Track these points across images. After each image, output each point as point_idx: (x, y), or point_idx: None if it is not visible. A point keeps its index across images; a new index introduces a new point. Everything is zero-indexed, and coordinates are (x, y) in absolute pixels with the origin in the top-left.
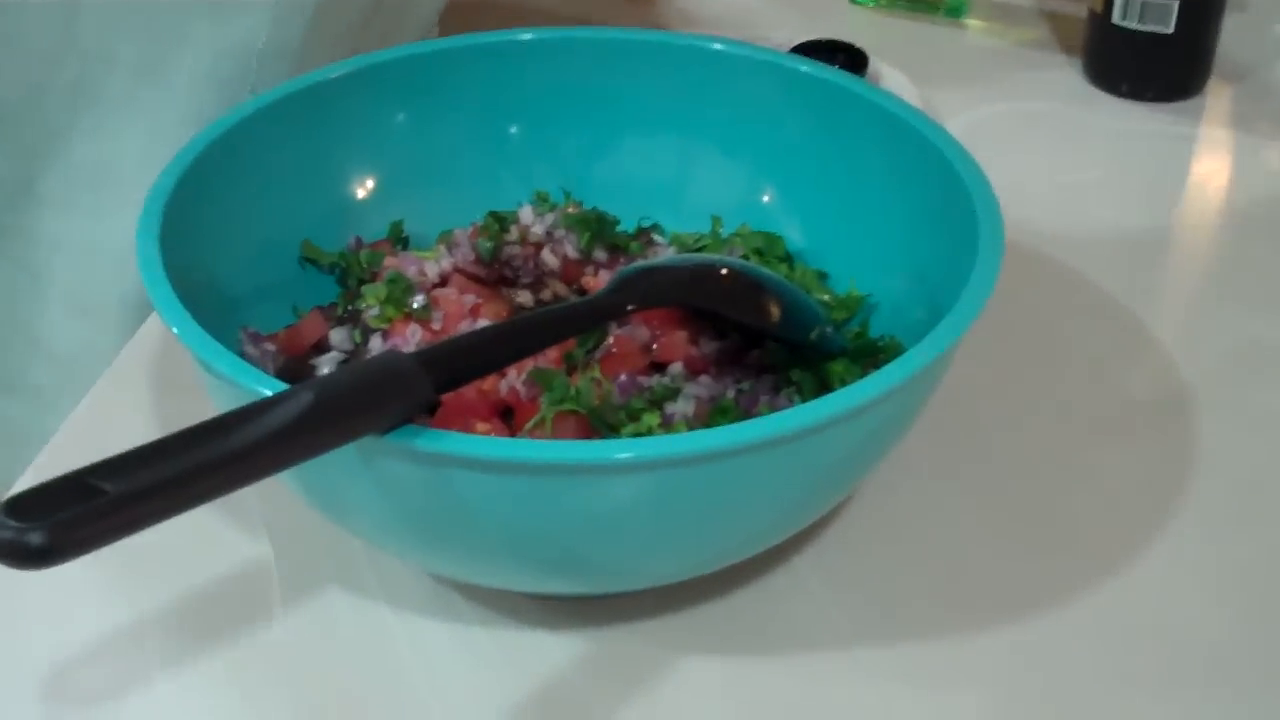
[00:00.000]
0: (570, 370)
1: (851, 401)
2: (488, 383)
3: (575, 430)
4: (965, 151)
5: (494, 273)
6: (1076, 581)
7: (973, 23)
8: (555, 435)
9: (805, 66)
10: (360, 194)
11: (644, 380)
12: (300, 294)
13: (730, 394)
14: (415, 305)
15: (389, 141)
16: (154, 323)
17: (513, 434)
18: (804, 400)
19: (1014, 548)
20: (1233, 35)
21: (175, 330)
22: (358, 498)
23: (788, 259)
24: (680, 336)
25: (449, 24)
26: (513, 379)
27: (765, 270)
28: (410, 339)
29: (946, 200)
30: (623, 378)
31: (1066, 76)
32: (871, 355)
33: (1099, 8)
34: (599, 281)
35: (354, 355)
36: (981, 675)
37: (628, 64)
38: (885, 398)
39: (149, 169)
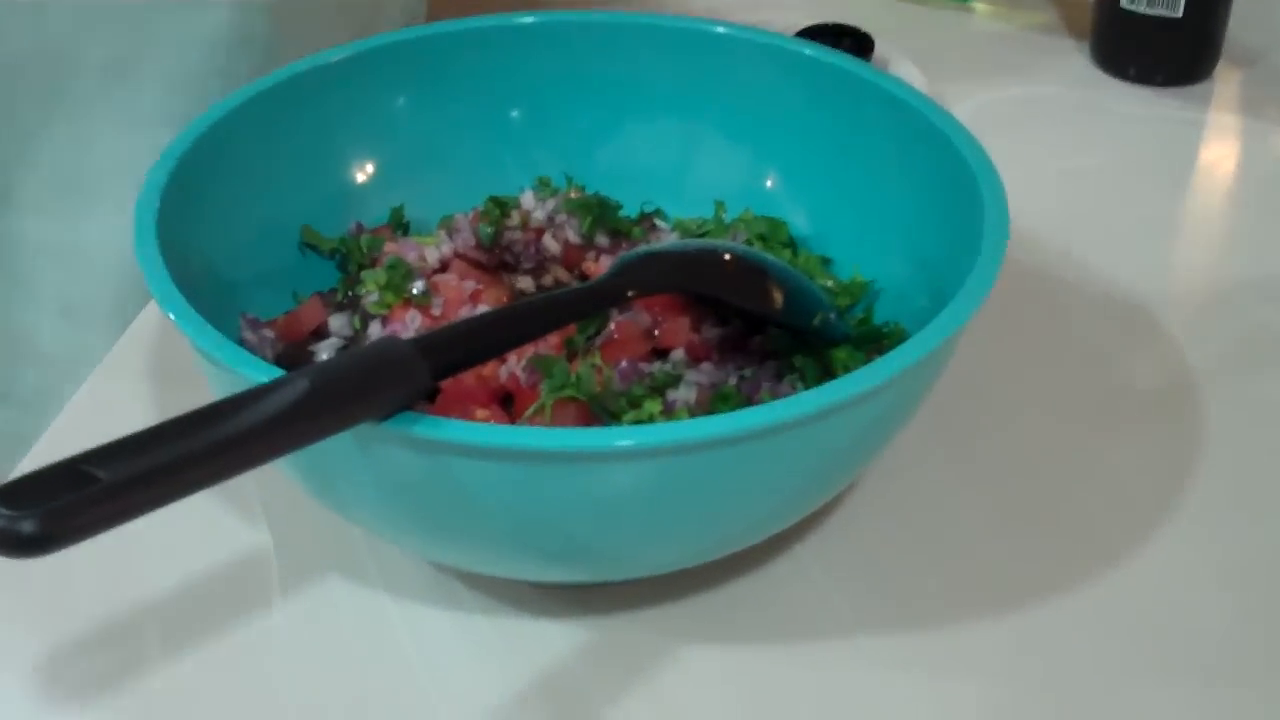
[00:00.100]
0: (571, 356)
1: (854, 389)
2: (487, 369)
3: (576, 417)
4: (971, 136)
5: (495, 258)
6: (1079, 570)
7: (979, 6)
8: (555, 422)
9: (810, 50)
10: (361, 179)
11: (645, 367)
12: (300, 279)
13: (732, 381)
14: (415, 291)
15: (390, 126)
16: (153, 309)
17: (512, 421)
18: (807, 387)
19: (1017, 536)
20: (1242, 19)
21: (172, 316)
22: (356, 485)
23: (791, 245)
24: (682, 322)
25: (441, 9)
26: (512, 365)
27: (768, 256)
28: (409, 325)
29: (951, 186)
30: (624, 364)
31: (1074, 61)
32: (875, 342)
33: None
34: (600, 267)
35: (353, 341)
36: (984, 664)
37: (630, 47)
38: (888, 385)
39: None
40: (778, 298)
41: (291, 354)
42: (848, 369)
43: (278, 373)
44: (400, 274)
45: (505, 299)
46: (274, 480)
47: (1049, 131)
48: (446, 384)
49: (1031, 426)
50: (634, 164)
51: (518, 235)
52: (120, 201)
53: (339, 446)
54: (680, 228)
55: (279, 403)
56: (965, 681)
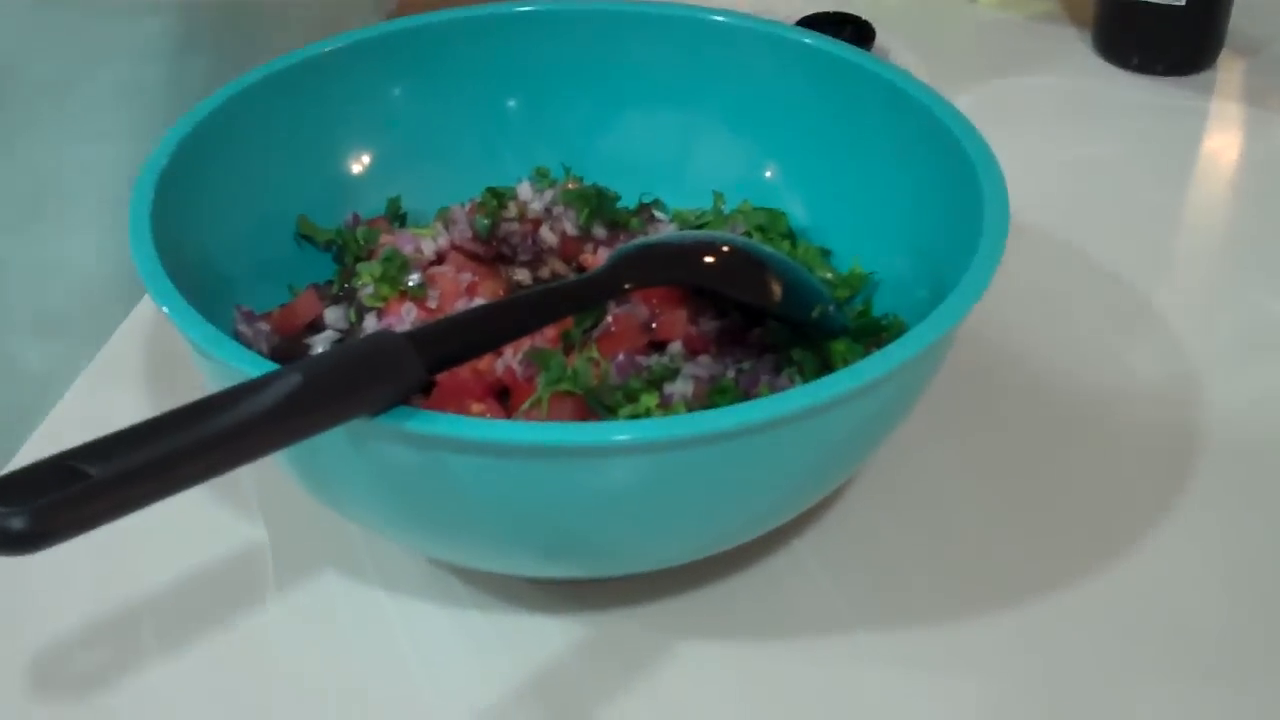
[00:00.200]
0: (568, 349)
1: (852, 382)
2: (483, 362)
3: (572, 411)
4: (972, 127)
5: (492, 250)
6: (1079, 565)
7: None
8: (551, 416)
9: (810, 39)
10: (357, 170)
11: (642, 360)
12: (296, 271)
13: (730, 374)
14: (411, 283)
15: (386, 116)
16: (148, 303)
17: (508, 414)
18: (805, 380)
19: (1016, 531)
20: (1245, 8)
21: (165, 309)
22: (350, 481)
23: (790, 236)
24: (680, 315)
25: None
26: (509, 358)
27: (767, 248)
28: (405, 317)
29: (952, 177)
30: (620, 357)
31: (1076, 50)
32: (874, 334)
33: None
34: (598, 259)
35: (349, 334)
36: (982, 660)
37: (629, 36)
38: (887, 378)
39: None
40: (776, 290)
41: (287, 347)
42: (847, 362)
43: (271, 366)
44: (396, 266)
45: (502, 291)
46: (270, 475)
47: (1051, 121)
48: (442, 377)
49: (1031, 420)
50: (632, 154)
51: (515, 227)
52: (86, 215)
53: (333, 441)
54: (679, 218)
55: (272, 397)
56: (964, 677)
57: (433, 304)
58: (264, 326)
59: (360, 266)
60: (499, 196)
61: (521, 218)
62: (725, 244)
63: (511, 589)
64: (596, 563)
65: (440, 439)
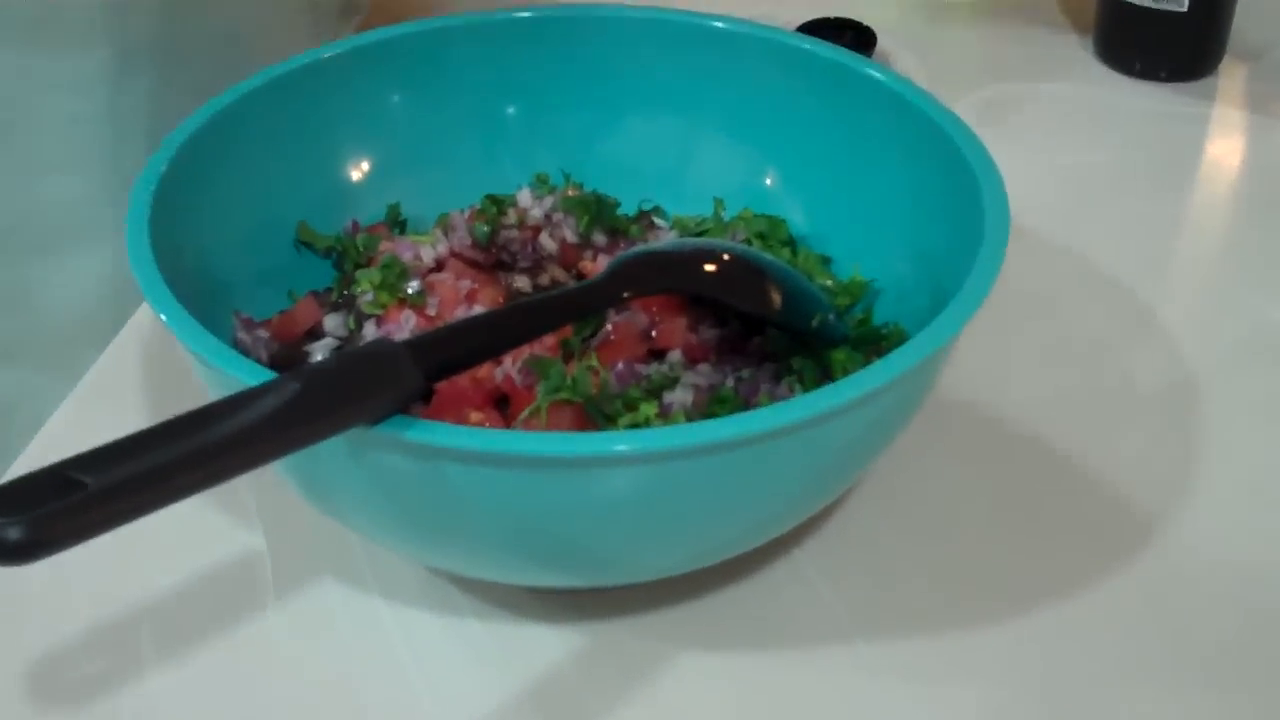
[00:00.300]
0: (567, 357)
1: (853, 392)
2: (482, 371)
3: (571, 420)
4: (972, 133)
5: (491, 257)
6: (1080, 573)
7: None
8: (551, 425)
9: (810, 45)
10: (357, 176)
11: (642, 369)
12: (296, 278)
13: (730, 383)
14: (410, 291)
15: (385, 122)
16: (147, 310)
17: (508, 423)
18: (805, 389)
19: (1017, 539)
20: (1247, 14)
21: (162, 316)
22: (348, 489)
23: (790, 243)
24: (679, 323)
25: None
26: (508, 367)
27: (767, 256)
28: (404, 325)
29: (952, 185)
30: (620, 366)
31: (1078, 55)
32: (874, 343)
33: None
34: (598, 266)
35: (348, 342)
36: (983, 669)
37: (628, 42)
38: (887, 388)
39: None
40: (776, 299)
41: (286, 354)
42: (847, 371)
43: (269, 375)
44: (395, 273)
45: (501, 299)
46: (269, 483)
47: (1052, 127)
48: (441, 385)
49: (1031, 427)
50: (632, 160)
51: (514, 234)
52: (40, 247)
53: (331, 450)
54: (679, 225)
55: (269, 407)
56: (965, 687)
57: (432, 311)
58: (263, 334)
59: (359, 274)
60: (498, 203)
61: (521, 225)
62: (725, 252)
63: (511, 598)
64: (596, 572)
65: (439, 449)
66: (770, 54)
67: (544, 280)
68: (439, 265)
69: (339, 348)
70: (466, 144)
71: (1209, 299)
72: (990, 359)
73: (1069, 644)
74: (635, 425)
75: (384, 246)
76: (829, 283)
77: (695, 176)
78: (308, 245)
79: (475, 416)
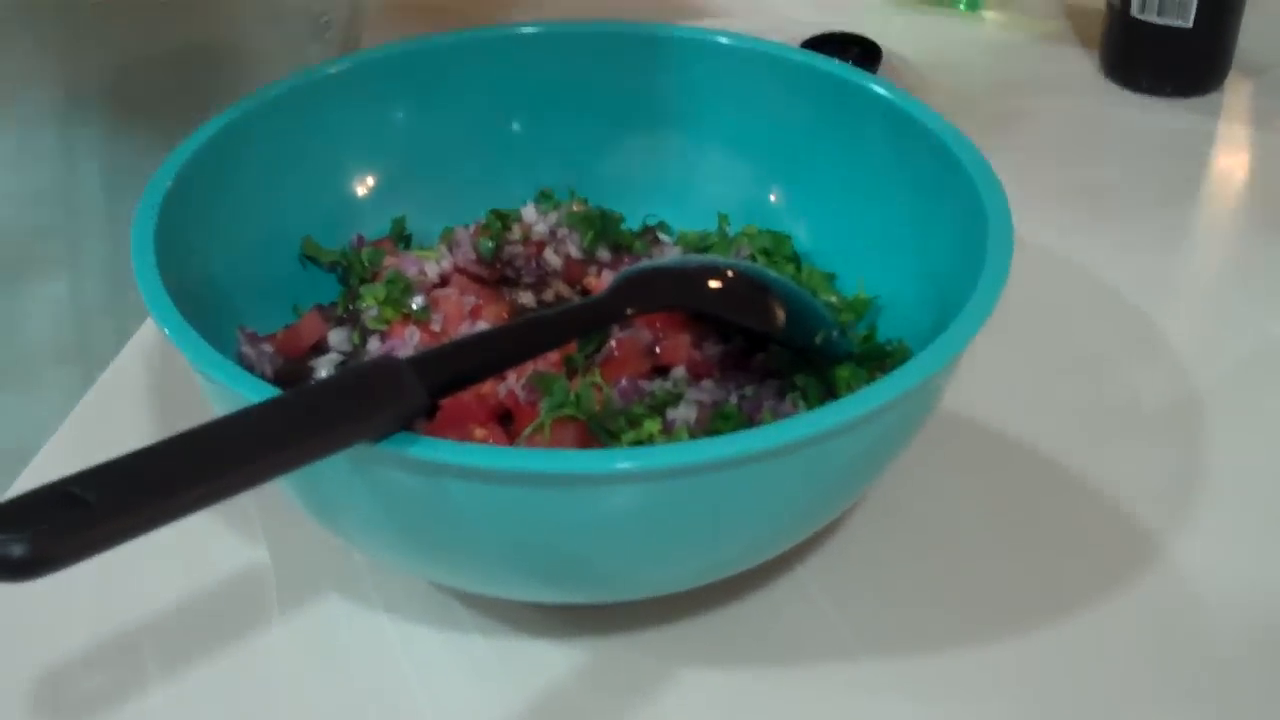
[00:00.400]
0: (571, 373)
1: (856, 410)
2: (486, 387)
3: (574, 436)
4: (976, 151)
5: (495, 273)
6: (1085, 591)
7: (989, 15)
8: (554, 441)
9: (815, 61)
10: (362, 191)
11: (645, 385)
12: (301, 292)
13: (733, 399)
14: (414, 306)
15: (390, 137)
16: (153, 323)
17: (511, 439)
18: (809, 406)
19: (1021, 557)
20: (1253, 29)
21: (166, 331)
22: (352, 506)
23: (795, 259)
24: (683, 339)
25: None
26: (512, 383)
27: (771, 272)
28: (408, 341)
29: (956, 201)
30: (623, 383)
31: (1084, 70)
32: (878, 360)
33: (1118, 1)
34: (602, 282)
35: (352, 357)
36: (986, 687)
37: (633, 58)
38: (891, 405)
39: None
40: (780, 315)
41: (290, 369)
42: (850, 388)
43: (272, 392)
44: (399, 289)
45: (505, 314)
46: (273, 498)
47: (1057, 141)
48: (444, 402)
49: (1035, 444)
50: (637, 176)
51: (519, 249)
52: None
53: (335, 467)
54: (683, 241)
55: (273, 423)
56: (968, 704)
57: (436, 327)
58: (267, 348)
59: (364, 289)
60: (503, 219)
61: (526, 240)
62: (729, 269)
63: (514, 614)
64: (599, 588)
65: (442, 465)
66: (775, 70)
67: (548, 296)
68: (443, 280)
69: (343, 363)
70: (471, 159)
71: (1214, 315)
72: (994, 375)
73: (1072, 662)
74: (639, 442)
75: (388, 262)
76: (833, 299)
77: (699, 192)
78: (312, 260)
79: (479, 433)
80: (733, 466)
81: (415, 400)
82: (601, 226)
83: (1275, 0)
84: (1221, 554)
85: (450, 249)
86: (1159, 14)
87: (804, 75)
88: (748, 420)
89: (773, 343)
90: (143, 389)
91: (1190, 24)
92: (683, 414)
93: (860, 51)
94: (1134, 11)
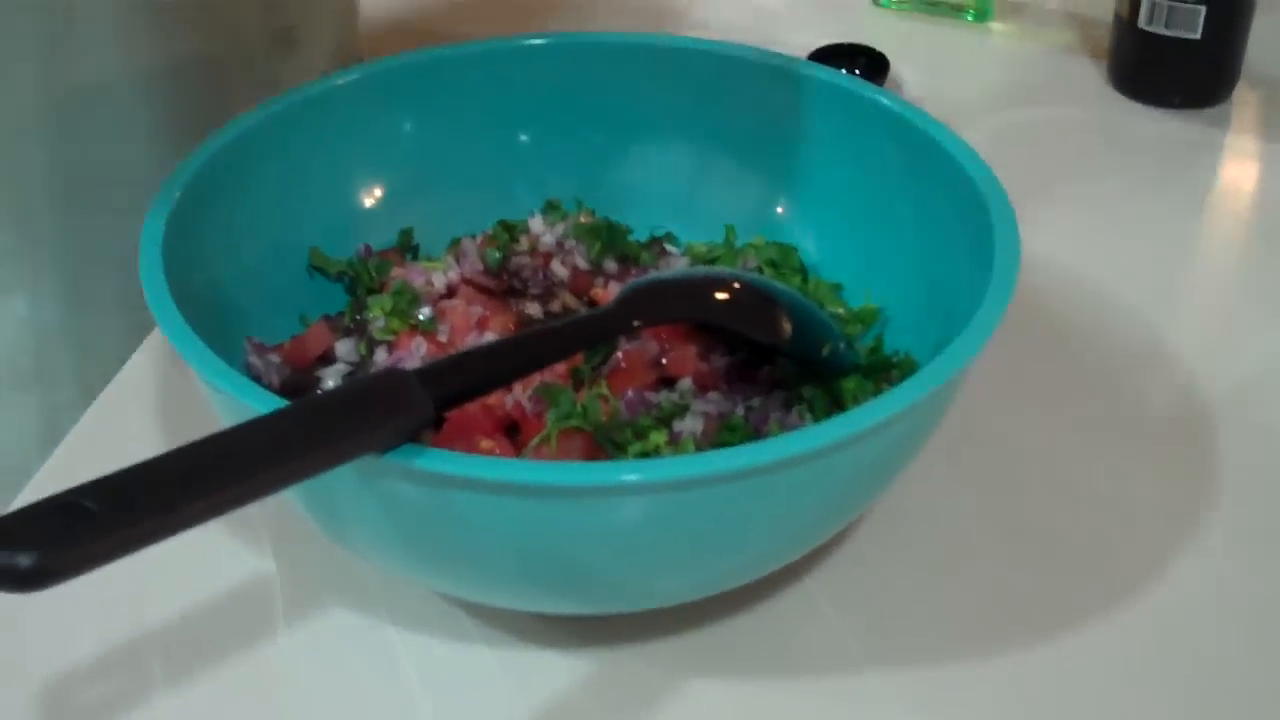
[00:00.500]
0: (577, 385)
1: (863, 422)
2: (493, 398)
3: (581, 447)
4: (984, 163)
5: (503, 284)
6: (1092, 605)
7: (997, 26)
8: (560, 453)
9: (822, 73)
10: (369, 202)
11: (651, 397)
12: (309, 301)
13: (740, 411)
14: (421, 317)
15: (398, 148)
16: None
17: (518, 450)
18: (815, 418)
19: (1028, 570)
20: (1261, 41)
21: (173, 342)
22: (359, 517)
23: (802, 271)
24: (690, 351)
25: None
26: (518, 394)
27: (777, 284)
28: (415, 352)
29: (963, 213)
30: (630, 394)
31: (1092, 81)
32: (885, 372)
33: (1126, 12)
34: (609, 293)
35: (359, 367)
36: (992, 701)
37: (641, 69)
38: (898, 418)
39: None
40: (786, 327)
41: (297, 379)
42: (857, 400)
43: (280, 402)
44: (406, 300)
45: (512, 325)
46: (280, 508)
47: (1065, 152)
48: (451, 413)
49: (1043, 455)
50: (644, 187)
51: (526, 260)
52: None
53: (341, 478)
54: (690, 252)
55: (280, 435)
56: (974, 717)
57: (443, 338)
58: (275, 359)
59: (371, 300)
60: (510, 230)
61: (533, 251)
62: (735, 281)
63: (520, 624)
64: (605, 599)
65: (449, 477)
66: (782, 82)
67: (555, 307)
68: (450, 291)
69: (350, 373)
70: (479, 170)
71: (1222, 327)
72: (1001, 387)
73: (1079, 676)
74: (645, 453)
75: (395, 272)
76: (840, 310)
77: (706, 203)
78: (320, 270)
79: (485, 444)
80: (739, 479)
81: (422, 412)
82: (609, 238)
83: None
84: (1229, 568)
85: (457, 260)
86: (1167, 26)
87: (811, 87)
88: (754, 432)
89: (779, 354)
90: (149, 400)
91: (1198, 36)
92: (689, 426)
93: (867, 62)
94: (1142, 23)
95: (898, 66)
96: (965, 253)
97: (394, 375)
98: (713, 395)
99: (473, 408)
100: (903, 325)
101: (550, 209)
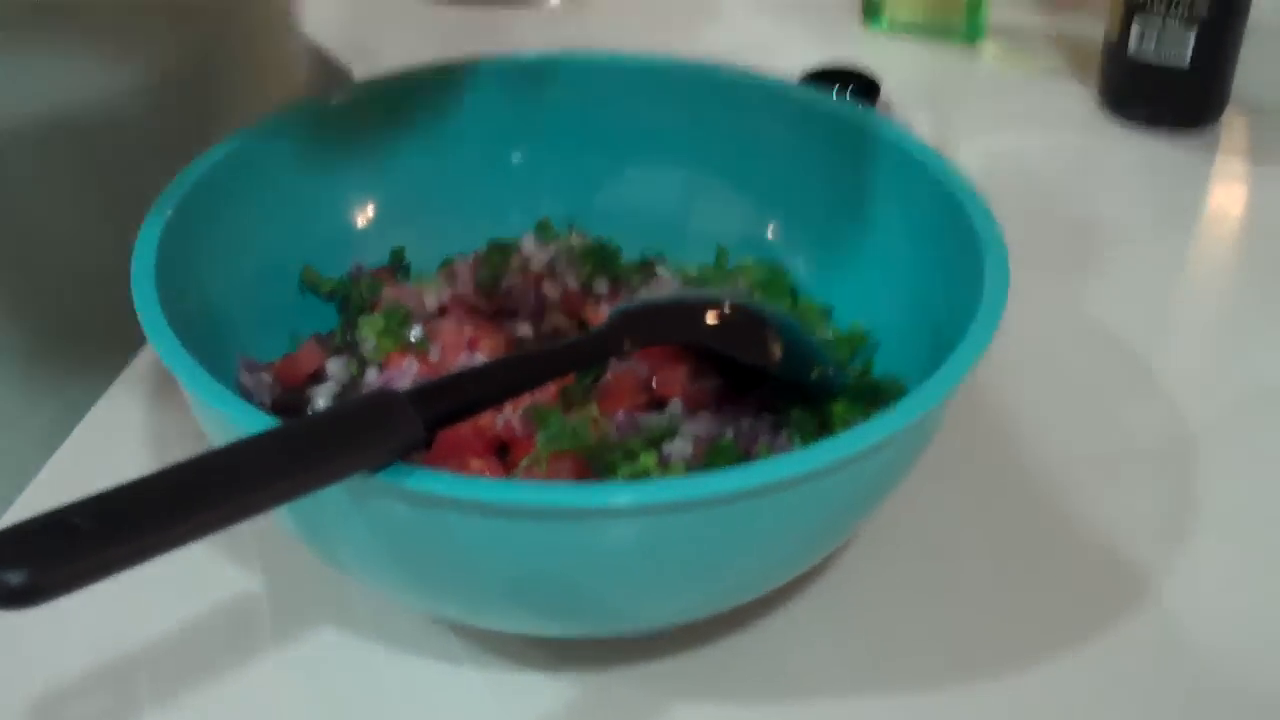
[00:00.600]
0: (567, 405)
1: (853, 446)
2: (483, 419)
3: (571, 468)
4: (972, 187)
5: (494, 304)
6: (1077, 631)
7: (988, 49)
8: (551, 473)
9: (812, 97)
10: (361, 221)
11: (642, 418)
12: (300, 319)
13: (729, 433)
14: (412, 338)
15: (390, 167)
16: (150, 350)
17: (508, 471)
18: (804, 442)
19: (1015, 594)
20: (1249, 66)
21: (165, 359)
22: (348, 537)
23: (792, 294)
24: (680, 372)
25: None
26: (509, 415)
27: (768, 308)
28: (406, 371)
29: (952, 237)
30: (620, 416)
31: (1081, 104)
32: (873, 395)
33: (1115, 37)
34: (600, 313)
35: (350, 386)
36: None
37: (634, 90)
38: (887, 442)
39: None
40: (776, 350)
41: (288, 398)
42: (846, 423)
43: (271, 421)
44: (398, 320)
45: (503, 346)
46: (269, 527)
47: (1055, 176)
48: (441, 433)
49: (1030, 481)
50: (636, 207)
51: (517, 281)
52: None
53: (331, 498)
54: (681, 274)
55: (270, 454)
56: None
57: (434, 358)
58: (266, 377)
59: (362, 320)
60: (502, 250)
61: (524, 272)
62: (726, 304)
63: (509, 647)
64: (593, 622)
65: (438, 498)
66: (773, 104)
67: (547, 327)
68: (442, 311)
69: (341, 392)
70: (471, 190)
71: (1209, 352)
72: (988, 411)
73: (1065, 700)
74: (635, 475)
75: (387, 292)
76: (829, 334)
77: (697, 225)
78: (311, 289)
79: (476, 464)
80: (732, 501)
81: (413, 432)
82: (600, 260)
83: (1272, 38)
84: (1214, 594)
85: (449, 280)
86: (1156, 51)
87: (803, 109)
88: (743, 454)
89: (769, 377)
90: (137, 418)
91: (1187, 61)
92: (679, 447)
93: (859, 85)
94: (1131, 48)
95: (889, 89)
96: (954, 276)
97: (385, 396)
98: (702, 417)
99: (463, 428)
100: (891, 349)
101: (542, 230)
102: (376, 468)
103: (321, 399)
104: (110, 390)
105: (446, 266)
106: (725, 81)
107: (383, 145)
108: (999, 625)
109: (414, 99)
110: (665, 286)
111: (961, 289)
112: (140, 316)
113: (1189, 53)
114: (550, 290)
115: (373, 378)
